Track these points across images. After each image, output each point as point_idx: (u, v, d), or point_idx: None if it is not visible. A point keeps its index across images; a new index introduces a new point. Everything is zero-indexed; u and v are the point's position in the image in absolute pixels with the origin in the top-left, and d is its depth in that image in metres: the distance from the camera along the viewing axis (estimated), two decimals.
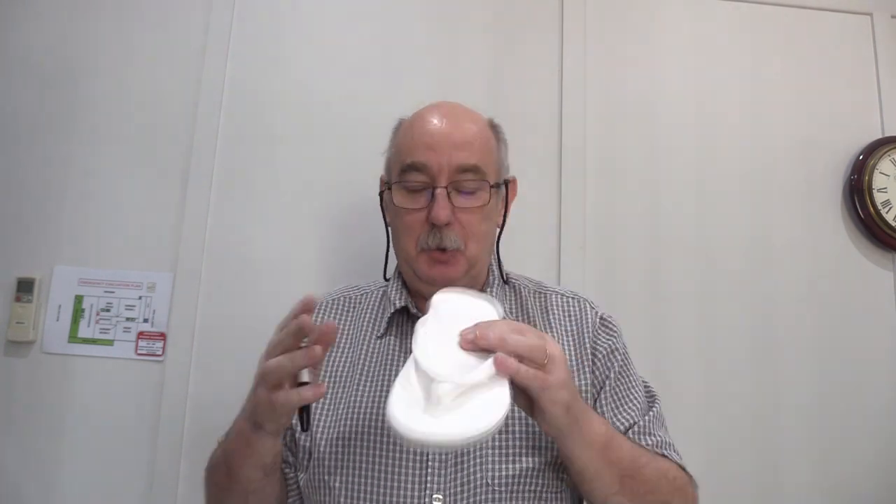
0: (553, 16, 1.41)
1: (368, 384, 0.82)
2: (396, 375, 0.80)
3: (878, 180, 1.39)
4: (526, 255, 1.28)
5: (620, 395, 0.84)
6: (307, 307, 0.66)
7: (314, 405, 0.81)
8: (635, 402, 0.84)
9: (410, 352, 0.84)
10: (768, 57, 1.46)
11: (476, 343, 0.61)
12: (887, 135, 1.43)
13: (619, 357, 0.87)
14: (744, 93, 1.44)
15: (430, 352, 0.62)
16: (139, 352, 1.21)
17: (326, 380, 0.84)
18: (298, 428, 0.70)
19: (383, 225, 0.95)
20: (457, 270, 0.82)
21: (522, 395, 0.63)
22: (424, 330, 0.66)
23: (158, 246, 1.25)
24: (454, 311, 0.68)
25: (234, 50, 1.32)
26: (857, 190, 1.39)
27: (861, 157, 1.41)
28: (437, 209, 0.80)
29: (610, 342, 0.87)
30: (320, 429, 0.80)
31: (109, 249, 1.24)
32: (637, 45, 1.43)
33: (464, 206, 0.82)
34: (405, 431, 0.57)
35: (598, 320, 0.89)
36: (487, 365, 0.59)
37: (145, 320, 1.22)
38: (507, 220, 0.94)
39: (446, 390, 0.58)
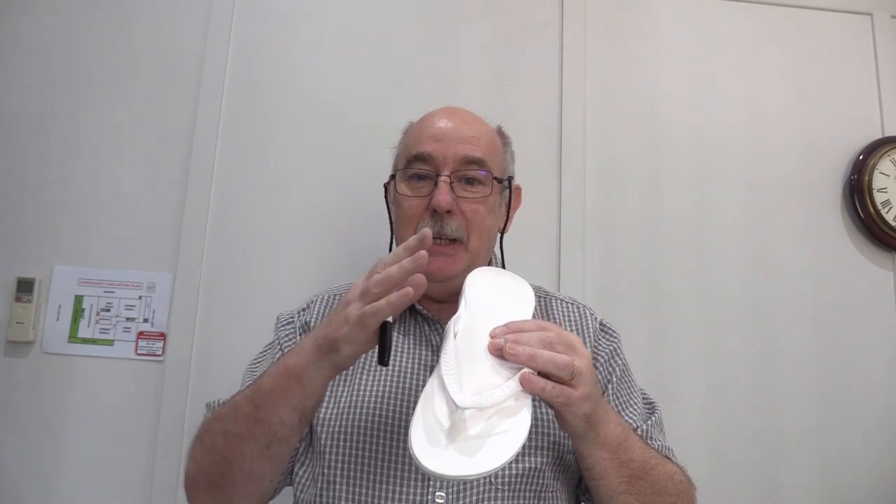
0: (553, 16, 1.41)
1: (371, 380, 0.82)
2: (399, 370, 0.81)
3: (878, 180, 1.39)
4: (526, 255, 1.28)
5: (622, 400, 0.85)
6: (425, 243, 0.65)
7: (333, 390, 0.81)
8: (635, 407, 0.85)
9: (417, 348, 0.84)
10: (768, 57, 1.46)
11: (504, 354, 0.62)
12: (887, 135, 1.43)
13: (619, 362, 0.88)
14: (744, 93, 1.44)
15: (456, 366, 0.63)
16: (139, 352, 1.21)
17: None
18: (377, 360, 0.66)
19: (385, 225, 0.95)
20: (457, 265, 0.83)
21: None
22: (451, 333, 0.67)
23: (158, 246, 1.25)
24: (487, 302, 0.69)
25: (234, 50, 1.32)
26: (857, 190, 1.39)
27: (861, 157, 1.41)
28: (439, 195, 0.81)
29: (610, 347, 0.89)
30: (321, 423, 0.79)
31: (109, 249, 1.24)
32: (637, 45, 1.43)
33: (466, 195, 0.83)
34: (425, 465, 0.58)
35: (597, 326, 0.91)
36: (513, 383, 0.61)
37: (145, 320, 1.22)
38: (509, 227, 0.95)
39: (469, 415, 0.60)
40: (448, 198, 0.81)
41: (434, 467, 0.57)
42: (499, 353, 0.63)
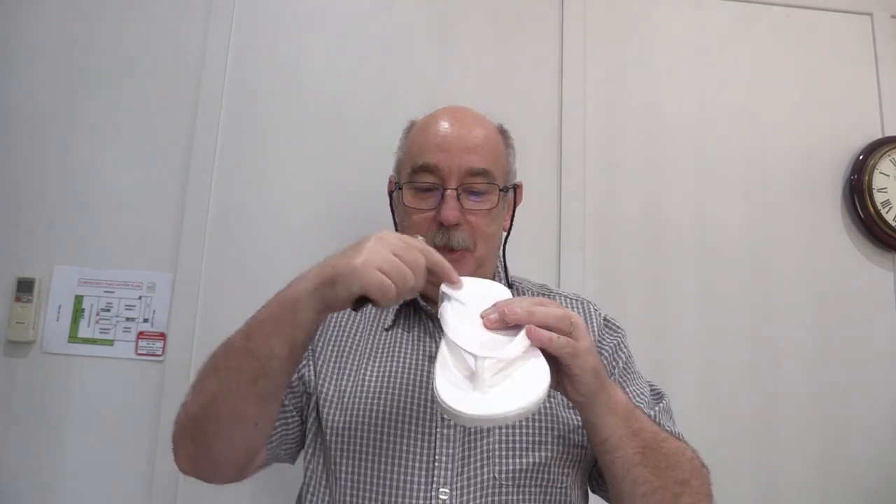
0: (553, 16, 1.41)
1: (376, 375, 0.82)
2: (404, 366, 0.82)
3: (878, 180, 1.39)
4: (526, 255, 1.28)
5: (626, 388, 0.84)
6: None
7: (325, 385, 0.81)
8: (642, 395, 0.84)
9: (421, 343, 0.84)
10: (768, 57, 1.46)
11: (502, 320, 0.63)
12: (887, 135, 1.43)
13: (622, 355, 0.88)
14: (744, 93, 1.44)
15: (461, 333, 0.63)
16: (139, 352, 1.21)
17: (333, 371, 0.84)
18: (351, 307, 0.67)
19: (384, 224, 0.95)
20: (464, 269, 0.82)
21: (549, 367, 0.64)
22: (448, 314, 0.67)
23: (158, 246, 1.25)
24: (469, 295, 0.69)
25: (234, 50, 1.32)
26: (857, 190, 1.39)
27: (861, 157, 1.41)
28: (446, 210, 0.82)
29: (614, 341, 0.89)
30: (326, 419, 0.80)
31: (109, 249, 1.24)
32: (637, 44, 1.43)
33: (472, 208, 0.84)
34: (460, 411, 0.57)
35: (602, 321, 0.91)
36: (521, 338, 0.61)
37: (145, 320, 1.22)
38: (512, 226, 0.95)
39: (489, 365, 0.59)
40: (456, 212, 0.82)
41: (468, 410, 0.57)
42: (496, 325, 0.63)
